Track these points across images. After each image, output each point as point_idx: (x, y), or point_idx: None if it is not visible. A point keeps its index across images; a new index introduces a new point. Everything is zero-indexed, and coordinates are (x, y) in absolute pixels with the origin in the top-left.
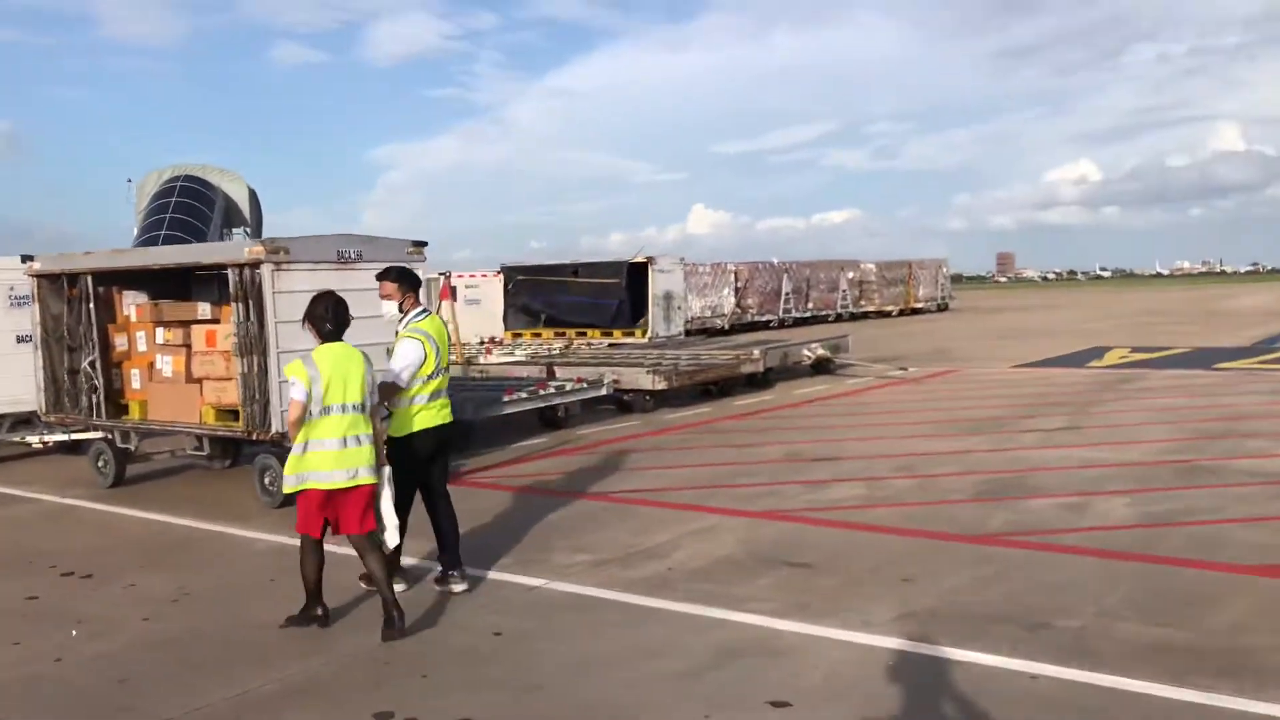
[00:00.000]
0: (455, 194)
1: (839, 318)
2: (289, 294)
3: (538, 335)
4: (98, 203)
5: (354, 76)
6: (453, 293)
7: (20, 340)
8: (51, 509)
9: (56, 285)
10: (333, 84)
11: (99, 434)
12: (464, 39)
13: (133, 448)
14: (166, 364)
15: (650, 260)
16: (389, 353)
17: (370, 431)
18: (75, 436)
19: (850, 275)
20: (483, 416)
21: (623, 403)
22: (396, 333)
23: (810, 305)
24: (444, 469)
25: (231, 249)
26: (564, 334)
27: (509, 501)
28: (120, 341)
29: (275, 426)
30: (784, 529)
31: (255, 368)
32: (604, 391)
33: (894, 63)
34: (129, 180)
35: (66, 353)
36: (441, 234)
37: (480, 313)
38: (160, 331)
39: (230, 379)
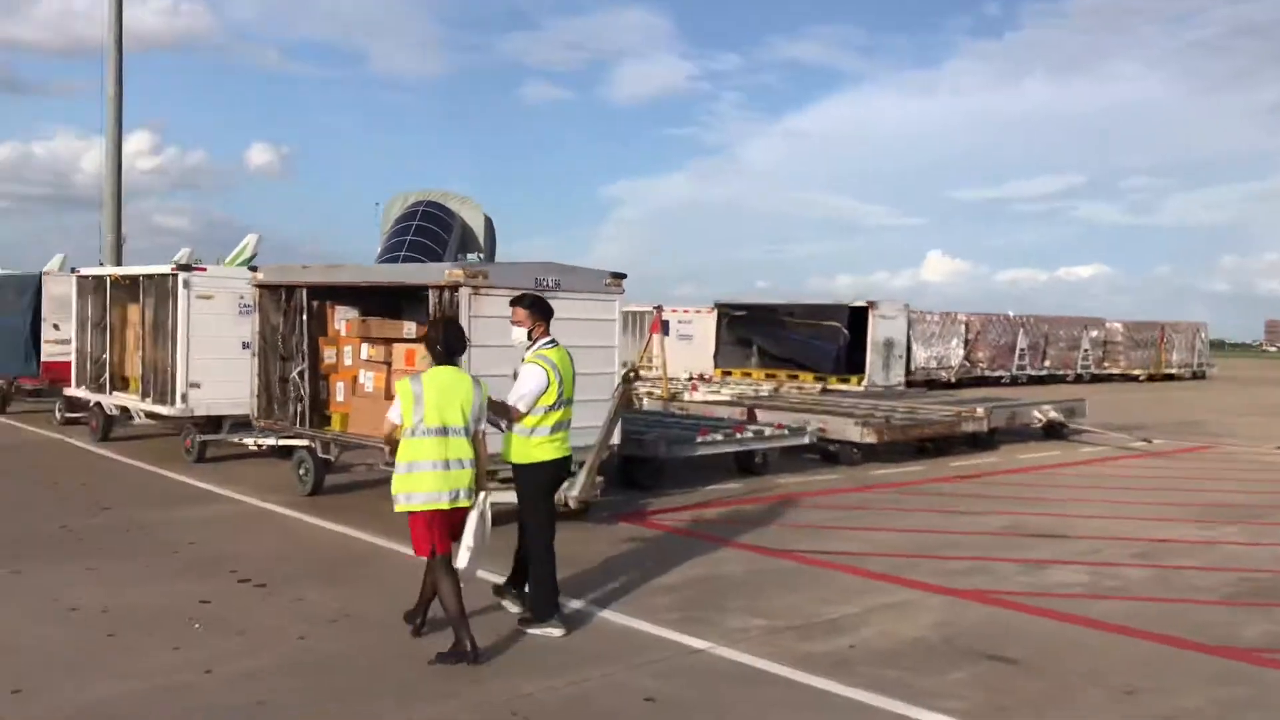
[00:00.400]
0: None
1: (1078, 379)
2: (485, 319)
3: (748, 375)
4: (354, 223)
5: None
6: (664, 327)
7: (245, 346)
8: (249, 512)
9: (276, 297)
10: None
11: (303, 442)
12: (706, 79)
13: (332, 458)
14: (369, 379)
15: (872, 305)
16: (514, 375)
17: (473, 456)
18: (284, 442)
19: (1094, 334)
20: (673, 455)
21: (828, 453)
22: (522, 359)
23: (1047, 363)
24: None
25: (433, 271)
26: (774, 376)
27: (687, 548)
28: (329, 354)
29: None
30: (990, 614)
31: None
32: (805, 440)
33: (1156, 114)
34: (376, 204)
35: (279, 361)
36: (667, 269)
37: (692, 348)
38: (365, 347)
39: None
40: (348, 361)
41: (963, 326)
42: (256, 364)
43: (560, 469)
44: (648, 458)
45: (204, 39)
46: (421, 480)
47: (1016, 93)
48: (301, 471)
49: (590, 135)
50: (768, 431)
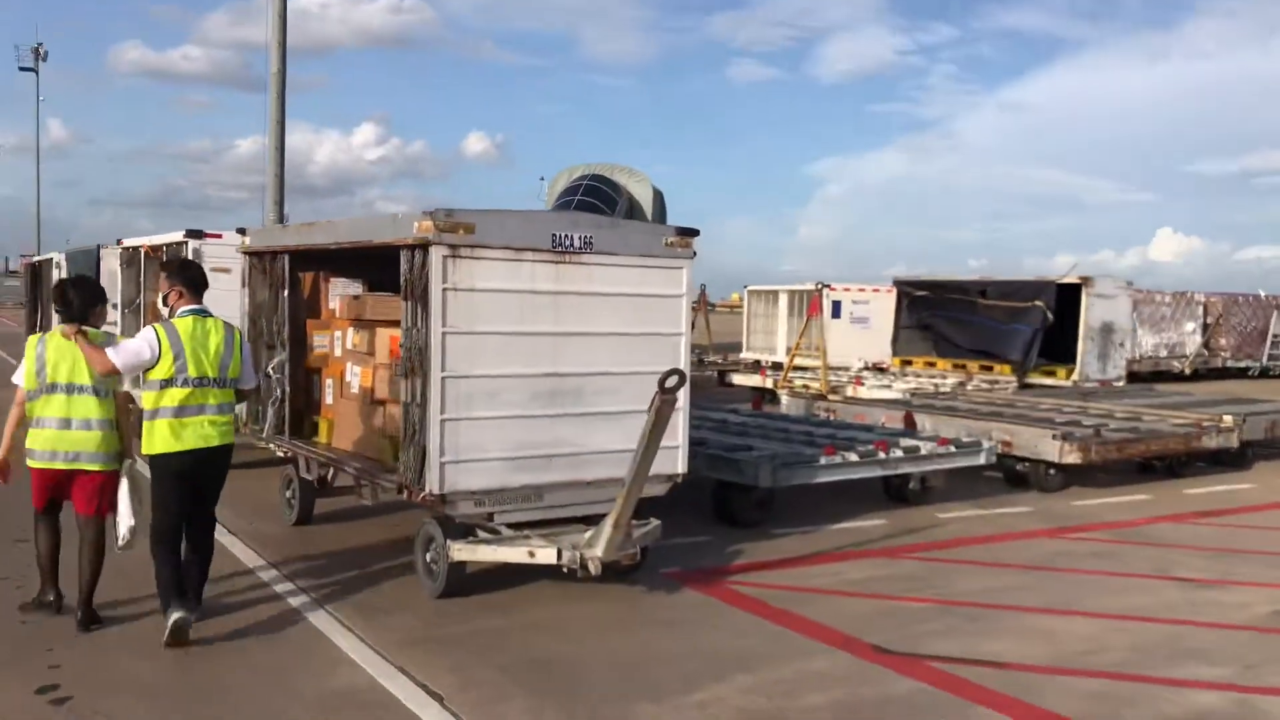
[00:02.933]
0: (892, 208)
1: None
2: (469, 292)
3: (931, 365)
4: None
5: (802, 92)
6: (835, 309)
7: None
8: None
9: (263, 267)
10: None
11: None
12: (917, 53)
13: (314, 478)
14: (355, 376)
15: (1085, 281)
16: None
17: (106, 417)
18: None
19: None
20: (782, 484)
21: (1015, 474)
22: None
23: None
24: (209, 496)
25: (400, 223)
26: (963, 367)
27: (765, 642)
28: (320, 341)
29: (432, 484)
30: None
31: (415, 395)
32: (980, 460)
33: None
34: (541, 179)
35: (265, 351)
36: (875, 249)
37: (869, 334)
38: (350, 333)
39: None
40: (338, 352)
41: (1200, 308)
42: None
43: (185, 464)
44: (747, 485)
45: (424, 34)
46: (39, 437)
47: (1264, 53)
48: (288, 494)
49: (796, 114)
50: (925, 449)
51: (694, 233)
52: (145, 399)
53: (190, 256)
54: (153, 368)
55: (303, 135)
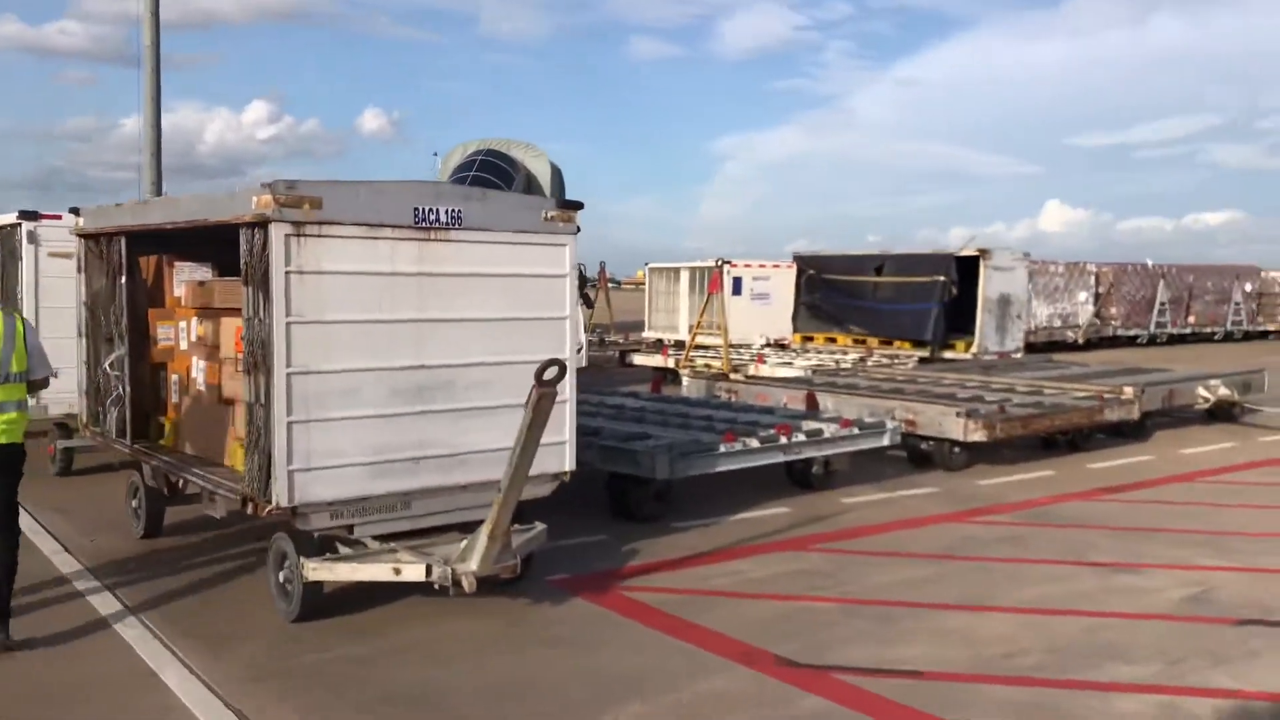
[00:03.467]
0: (792, 185)
1: (1228, 336)
2: (317, 276)
3: (832, 340)
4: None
5: (702, 69)
6: (734, 285)
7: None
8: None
9: (99, 250)
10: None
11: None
12: (815, 29)
13: (159, 486)
14: (200, 372)
15: (983, 254)
16: None
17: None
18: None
19: (1248, 286)
20: (681, 475)
21: (919, 452)
22: None
23: (1191, 319)
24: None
25: (238, 198)
26: (864, 342)
27: (664, 658)
28: (164, 333)
29: (279, 496)
30: None
31: (259, 395)
32: (885, 442)
33: None
34: (435, 154)
35: (104, 344)
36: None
37: (769, 311)
38: (194, 323)
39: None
40: (184, 344)
41: (1093, 278)
42: (83, 347)
43: None
44: (644, 478)
45: (317, 7)
46: None
47: (1142, 31)
48: (134, 503)
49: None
50: (828, 431)
51: (577, 206)
52: None
53: (25, 239)
54: None
55: (191, 113)
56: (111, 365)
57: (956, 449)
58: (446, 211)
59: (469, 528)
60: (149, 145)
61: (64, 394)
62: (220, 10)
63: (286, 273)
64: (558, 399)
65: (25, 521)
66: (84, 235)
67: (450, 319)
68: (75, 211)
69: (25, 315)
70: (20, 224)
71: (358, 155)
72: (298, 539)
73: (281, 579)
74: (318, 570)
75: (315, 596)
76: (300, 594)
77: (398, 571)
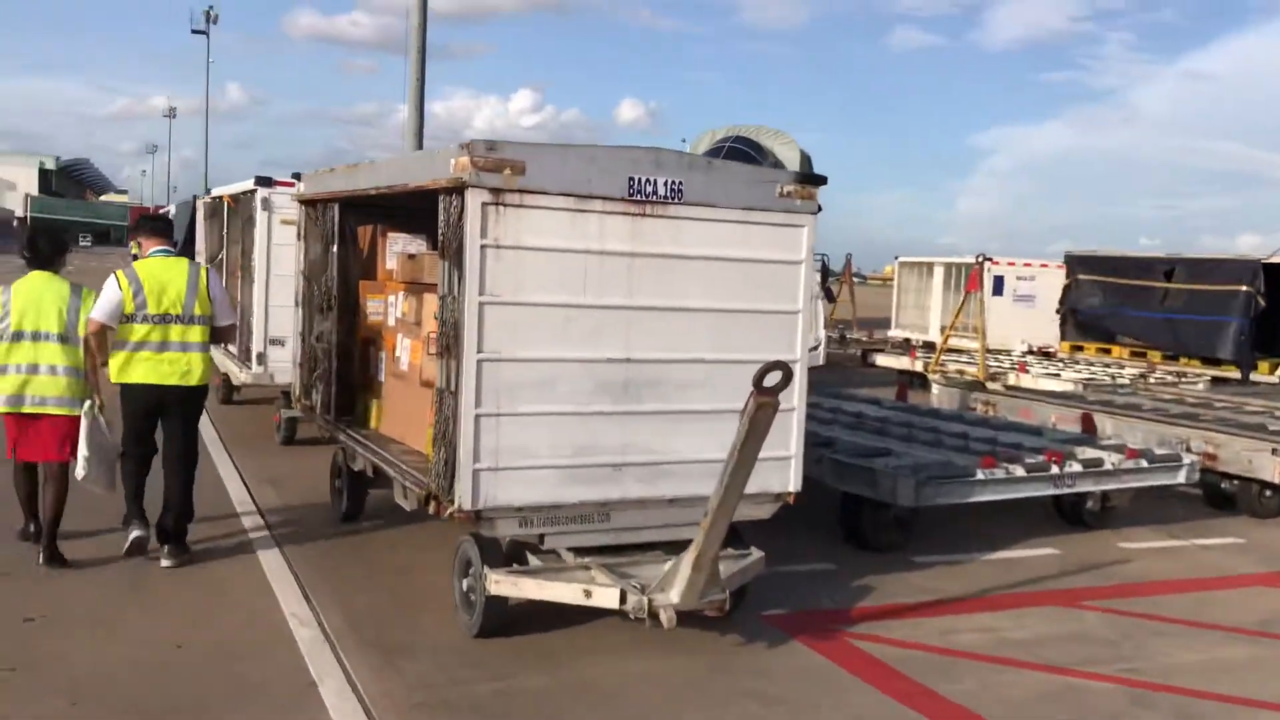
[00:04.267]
0: (1058, 183)
1: None
2: (517, 251)
3: (1105, 351)
4: None
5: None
6: (995, 285)
7: None
8: (235, 547)
9: (315, 218)
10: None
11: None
12: (1092, 19)
13: (360, 469)
14: (405, 351)
15: None
16: None
17: (71, 364)
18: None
19: None
20: (928, 503)
21: (1218, 492)
22: None
23: None
24: (176, 433)
25: (436, 161)
26: (1144, 356)
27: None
28: (374, 307)
29: (463, 497)
30: None
31: (449, 382)
32: (1179, 480)
33: None
34: (683, 140)
35: (316, 315)
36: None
37: (1032, 314)
38: (400, 298)
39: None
40: (391, 320)
41: None
42: (299, 317)
43: (149, 396)
44: (883, 502)
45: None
46: (6, 383)
47: None
48: (336, 483)
49: (958, 84)
50: (1110, 461)
51: (818, 180)
52: (118, 332)
53: (260, 206)
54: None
55: (463, 100)
56: (319, 337)
57: (1268, 492)
58: (666, 183)
59: (677, 548)
60: (412, 124)
61: (288, 363)
62: (497, 2)
63: (482, 246)
64: (783, 408)
65: (236, 491)
66: (303, 201)
67: (663, 307)
68: (298, 177)
69: (257, 282)
70: (256, 190)
71: (614, 144)
72: (483, 546)
73: (465, 588)
74: (501, 584)
75: (499, 611)
76: (483, 607)
77: (588, 595)
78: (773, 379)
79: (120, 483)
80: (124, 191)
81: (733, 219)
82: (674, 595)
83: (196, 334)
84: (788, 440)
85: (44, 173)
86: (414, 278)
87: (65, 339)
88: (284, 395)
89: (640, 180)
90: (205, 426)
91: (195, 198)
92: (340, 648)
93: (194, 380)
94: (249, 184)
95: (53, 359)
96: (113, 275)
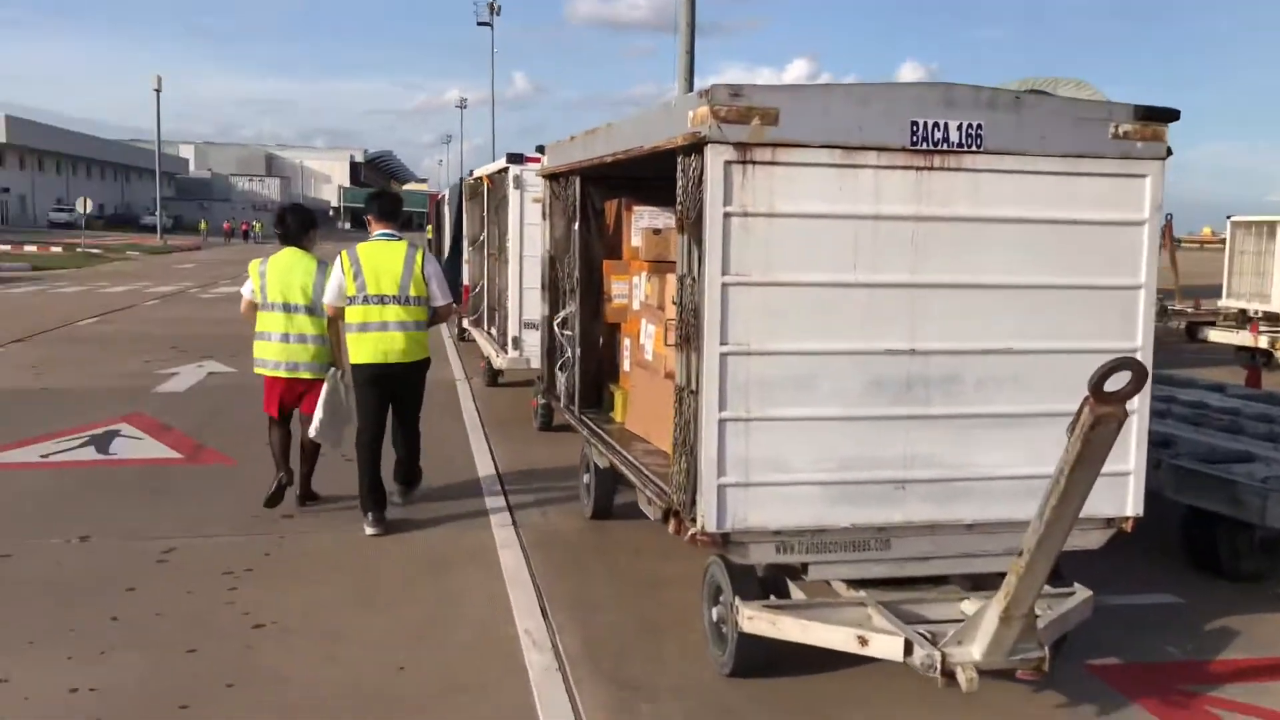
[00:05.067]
0: None
1: None
2: (769, 219)
3: None
4: None
5: None
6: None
7: None
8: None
9: (558, 193)
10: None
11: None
12: None
13: (607, 465)
14: (649, 338)
15: None
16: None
17: (319, 333)
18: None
19: None
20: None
21: None
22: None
23: None
24: (400, 407)
25: (673, 114)
26: None
27: None
28: (619, 289)
29: (706, 517)
30: None
31: (689, 378)
32: None
33: None
34: None
35: (562, 298)
36: None
37: None
38: (643, 280)
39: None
40: (636, 303)
41: None
42: (544, 301)
43: (373, 374)
44: (1246, 523)
45: None
46: (263, 349)
47: None
48: (585, 479)
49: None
50: None
51: (1168, 115)
52: (346, 313)
53: (511, 184)
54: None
55: (735, 76)
56: (564, 323)
57: None
58: (961, 127)
59: (977, 583)
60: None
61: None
62: None
63: (725, 214)
64: (1120, 422)
65: (487, 478)
66: (547, 176)
67: (958, 284)
68: (542, 150)
69: (511, 263)
70: (508, 168)
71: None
72: (734, 573)
73: (715, 617)
74: (756, 620)
75: (755, 650)
76: (735, 645)
77: (863, 643)
78: (1118, 380)
79: (344, 444)
80: (424, 180)
81: (1051, 169)
82: (976, 651)
83: (412, 314)
84: (1125, 452)
85: (354, 165)
86: (660, 255)
87: (312, 310)
88: (541, 380)
89: (926, 125)
90: (468, 410)
91: (461, 180)
92: (573, 679)
93: (412, 358)
94: (503, 162)
95: (302, 328)
96: (338, 257)
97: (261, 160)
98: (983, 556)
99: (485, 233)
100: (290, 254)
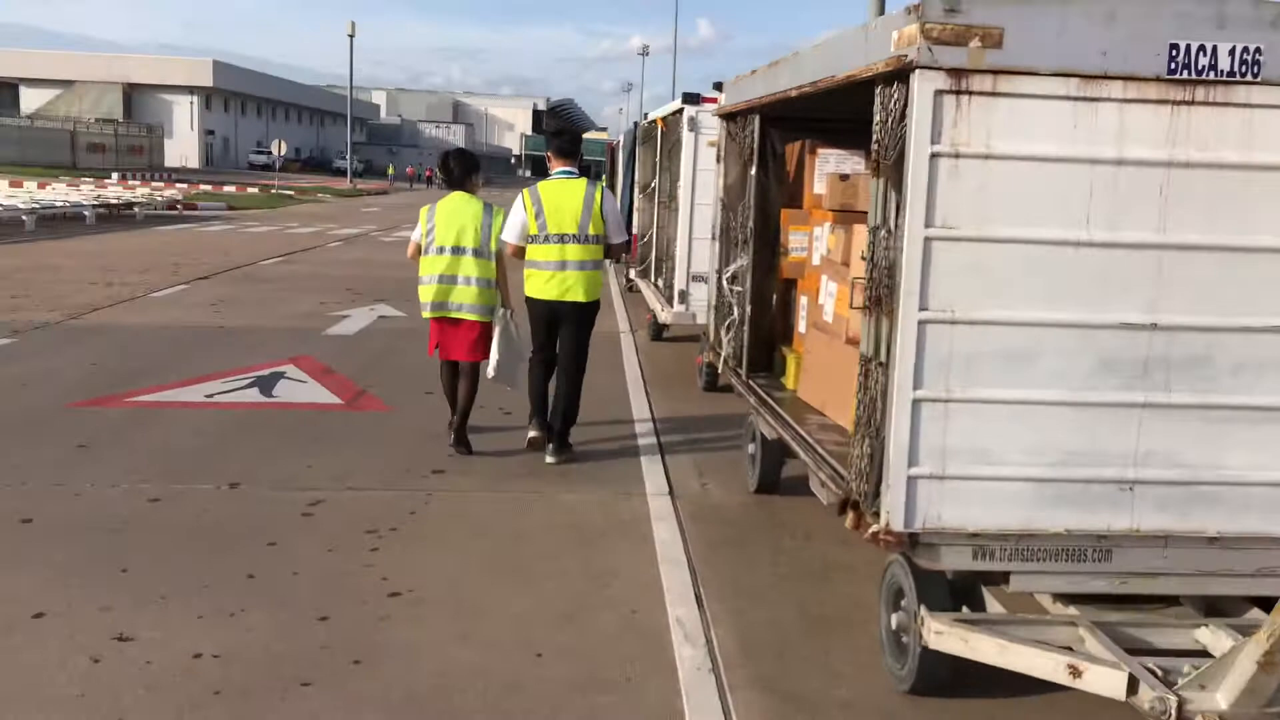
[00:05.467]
0: None
1: None
2: (984, 161)
3: None
4: None
5: None
6: None
7: None
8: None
9: (733, 134)
10: None
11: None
12: None
13: (774, 437)
14: (829, 297)
15: None
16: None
17: (483, 275)
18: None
19: None
20: None
21: None
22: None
23: None
24: (569, 342)
25: (872, 39)
26: None
27: None
28: (796, 241)
29: (891, 514)
30: None
31: (877, 348)
32: None
33: None
34: None
35: (733, 250)
36: None
37: None
38: (826, 230)
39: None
40: (816, 258)
41: None
42: (715, 253)
43: (546, 310)
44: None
45: None
46: (427, 291)
47: None
48: (750, 449)
49: None
50: None
51: None
52: (526, 250)
53: (686, 125)
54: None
55: None
56: (734, 277)
57: None
58: (1234, 52)
59: (1213, 607)
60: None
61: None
62: None
63: (933, 155)
64: None
65: (646, 441)
66: (723, 115)
67: (1219, 246)
68: (719, 88)
69: (681, 211)
70: (683, 109)
71: None
72: (920, 578)
73: (894, 625)
74: (945, 636)
75: (938, 669)
76: (918, 660)
77: (1075, 674)
78: None
79: (525, 383)
80: (604, 129)
81: None
82: (1222, 699)
83: (590, 252)
84: None
85: (536, 113)
86: (846, 204)
87: (479, 253)
88: (708, 335)
89: (1189, 49)
90: (630, 364)
91: (635, 124)
92: (728, 684)
93: (584, 297)
94: (678, 104)
95: (468, 271)
96: (519, 197)
97: (449, 107)
98: (1227, 576)
99: (657, 179)
100: (457, 198)
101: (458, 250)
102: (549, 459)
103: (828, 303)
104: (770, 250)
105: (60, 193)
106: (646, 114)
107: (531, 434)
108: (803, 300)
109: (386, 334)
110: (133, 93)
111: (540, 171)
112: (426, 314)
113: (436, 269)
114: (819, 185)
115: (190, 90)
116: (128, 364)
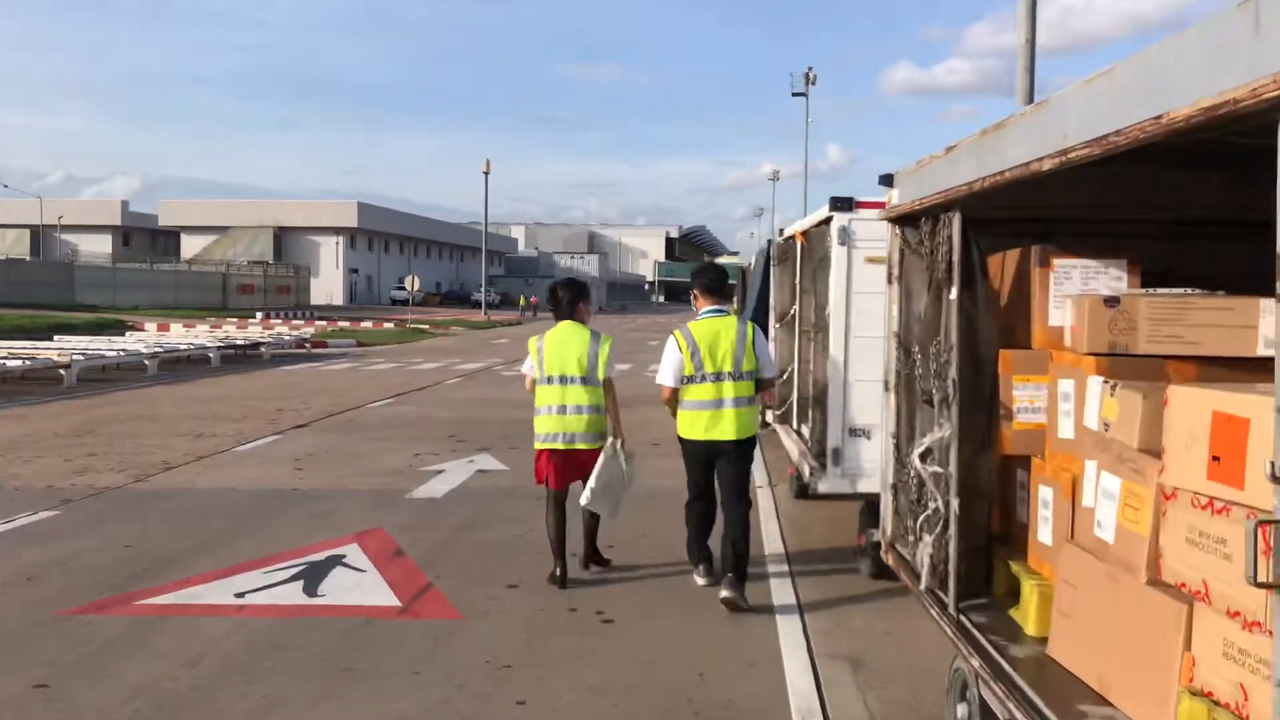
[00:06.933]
0: None
1: None
2: None
3: None
4: None
5: None
6: None
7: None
8: None
9: (918, 242)
10: None
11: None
12: None
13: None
14: (1109, 500)
15: None
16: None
17: (593, 403)
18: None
19: None
20: None
21: None
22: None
23: None
24: (728, 476)
25: (1265, 33)
26: None
27: None
28: (1024, 397)
29: None
30: None
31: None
32: None
33: None
34: None
35: (923, 408)
36: None
37: None
38: (1088, 386)
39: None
40: (1067, 427)
41: None
42: (891, 411)
43: (705, 451)
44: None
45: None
46: (541, 422)
47: None
48: (959, 712)
49: None
50: None
51: None
52: (681, 391)
53: (836, 237)
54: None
55: None
56: (926, 452)
57: None
58: None
59: None
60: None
61: (876, 463)
62: (1101, 29)
63: None
64: None
65: (795, 659)
66: (896, 219)
67: None
68: (888, 182)
69: (833, 345)
70: (832, 218)
71: None
72: None
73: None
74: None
75: None
76: None
77: None
78: None
79: (618, 512)
80: (735, 253)
81: None
82: None
83: (746, 389)
84: None
85: (669, 241)
86: (1116, 344)
87: (586, 380)
88: (871, 507)
89: None
90: (769, 533)
91: (769, 241)
92: None
93: (743, 433)
94: (824, 211)
95: (578, 399)
96: (671, 337)
97: (584, 238)
98: None
99: (797, 304)
100: (565, 327)
101: (565, 380)
102: (724, 592)
103: (1104, 508)
104: (985, 412)
105: (190, 334)
106: (781, 229)
107: (700, 582)
108: (1044, 494)
109: (479, 496)
110: (283, 235)
111: (673, 297)
112: (541, 445)
113: (548, 400)
114: (1057, 312)
115: (336, 231)
116: (169, 544)
